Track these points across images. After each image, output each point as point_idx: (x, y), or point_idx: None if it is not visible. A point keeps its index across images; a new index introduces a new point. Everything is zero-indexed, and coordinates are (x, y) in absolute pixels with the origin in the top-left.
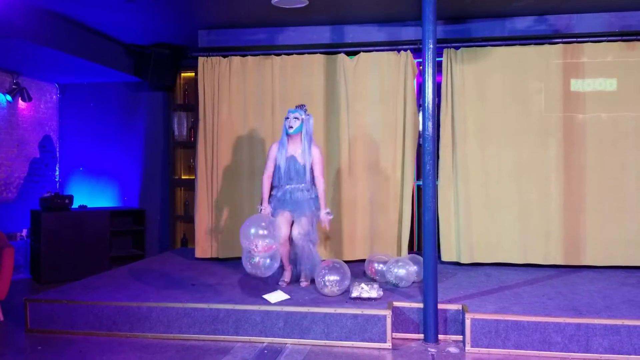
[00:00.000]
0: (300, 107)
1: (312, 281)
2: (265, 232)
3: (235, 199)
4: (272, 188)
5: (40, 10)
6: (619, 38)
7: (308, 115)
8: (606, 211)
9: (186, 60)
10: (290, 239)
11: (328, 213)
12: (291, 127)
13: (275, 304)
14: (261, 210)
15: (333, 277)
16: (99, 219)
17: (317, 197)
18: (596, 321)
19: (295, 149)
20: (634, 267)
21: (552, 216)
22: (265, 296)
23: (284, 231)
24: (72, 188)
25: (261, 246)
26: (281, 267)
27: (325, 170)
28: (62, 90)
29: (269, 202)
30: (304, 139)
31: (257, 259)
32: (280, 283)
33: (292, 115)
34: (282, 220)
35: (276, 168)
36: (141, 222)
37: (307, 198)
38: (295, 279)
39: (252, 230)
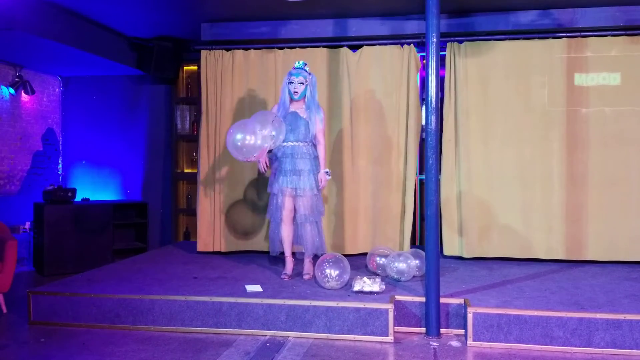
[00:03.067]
0: (303, 68)
1: (315, 257)
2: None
3: (238, 193)
4: (270, 151)
5: (43, 3)
6: (623, 32)
7: (311, 75)
8: (609, 206)
9: (189, 54)
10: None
11: (327, 173)
12: (296, 92)
13: (278, 299)
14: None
15: (333, 272)
16: (102, 211)
17: (317, 157)
18: (598, 316)
19: (298, 107)
20: (636, 262)
21: (555, 211)
22: (247, 286)
23: (286, 208)
24: (75, 181)
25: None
26: (281, 257)
27: (327, 164)
28: (65, 83)
29: (269, 163)
30: (310, 101)
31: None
32: (282, 276)
33: (296, 80)
34: (285, 196)
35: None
36: (144, 215)
37: (309, 163)
38: (297, 273)
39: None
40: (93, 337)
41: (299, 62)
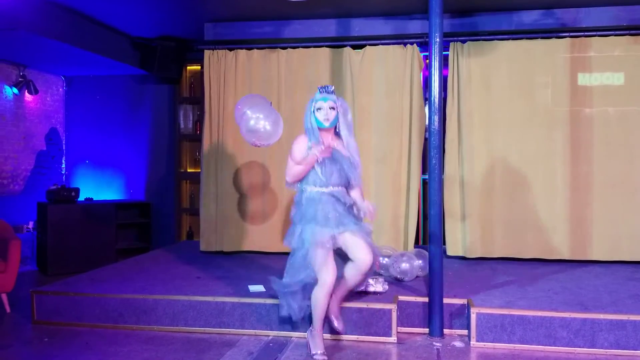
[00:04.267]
0: (330, 90)
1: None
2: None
3: (241, 192)
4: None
5: (46, 3)
6: (627, 32)
7: (340, 98)
8: (613, 206)
9: (192, 53)
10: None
11: (370, 205)
12: (327, 119)
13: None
14: (318, 152)
15: None
16: (105, 211)
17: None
18: (602, 316)
19: (332, 141)
20: None
21: (558, 210)
22: (250, 286)
23: (331, 272)
24: (78, 180)
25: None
26: (307, 323)
27: None
28: (68, 82)
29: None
30: (344, 131)
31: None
32: (316, 358)
33: (326, 105)
34: (328, 250)
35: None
36: (147, 214)
37: (349, 210)
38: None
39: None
40: (96, 337)
41: (323, 87)
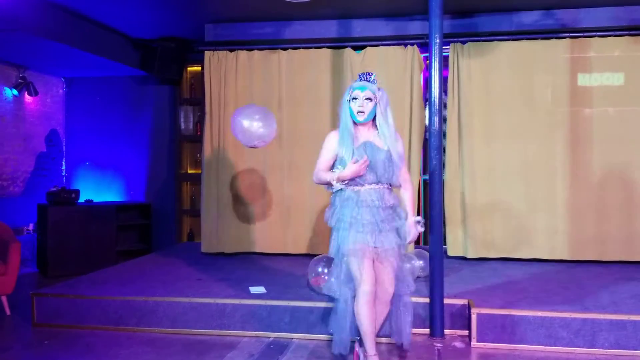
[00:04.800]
0: (369, 79)
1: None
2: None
3: (242, 194)
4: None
5: (46, 4)
6: (627, 32)
7: (381, 90)
8: (613, 206)
9: (193, 54)
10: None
11: (419, 222)
12: (362, 112)
13: (282, 300)
14: (334, 183)
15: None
16: (106, 213)
17: (398, 204)
18: (602, 316)
19: (369, 134)
20: None
21: (559, 211)
22: (250, 287)
23: (370, 279)
24: (78, 182)
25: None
26: (354, 343)
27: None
28: (69, 84)
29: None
30: (383, 126)
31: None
32: None
33: (362, 95)
34: (366, 259)
35: (338, 165)
36: (147, 216)
37: (391, 213)
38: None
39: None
40: (97, 339)
41: (363, 74)
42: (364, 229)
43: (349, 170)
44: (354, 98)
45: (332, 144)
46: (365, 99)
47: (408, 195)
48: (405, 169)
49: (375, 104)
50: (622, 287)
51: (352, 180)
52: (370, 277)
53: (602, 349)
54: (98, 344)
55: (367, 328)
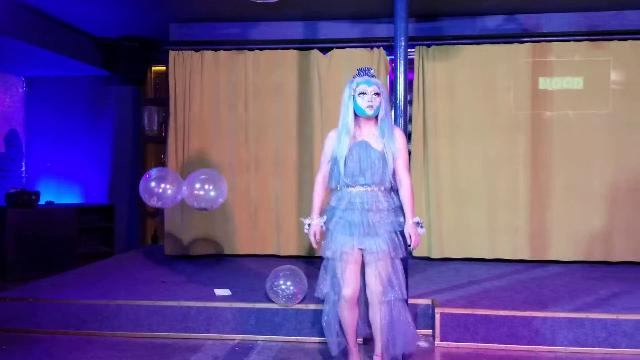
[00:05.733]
0: (372, 73)
1: None
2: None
3: None
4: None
5: (6, 1)
6: (586, 38)
7: (382, 85)
8: (572, 207)
9: (157, 54)
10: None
11: (418, 224)
12: (371, 106)
13: (247, 302)
14: (307, 226)
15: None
16: (67, 215)
17: (397, 206)
18: (561, 315)
19: (368, 132)
20: (598, 262)
21: (520, 212)
22: (215, 290)
23: (352, 284)
24: (39, 183)
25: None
26: (341, 349)
27: (297, 167)
28: (29, 83)
29: (323, 217)
30: (383, 123)
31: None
32: None
33: (370, 90)
34: (350, 263)
35: (333, 165)
36: (110, 218)
37: (386, 216)
38: None
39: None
40: (57, 343)
41: (363, 70)
42: (350, 231)
43: (310, 231)
44: (362, 93)
45: (330, 143)
46: (374, 93)
47: (406, 197)
48: (403, 168)
49: (382, 99)
50: (580, 286)
51: (348, 181)
52: (352, 282)
53: (562, 346)
54: (58, 348)
55: (348, 329)
